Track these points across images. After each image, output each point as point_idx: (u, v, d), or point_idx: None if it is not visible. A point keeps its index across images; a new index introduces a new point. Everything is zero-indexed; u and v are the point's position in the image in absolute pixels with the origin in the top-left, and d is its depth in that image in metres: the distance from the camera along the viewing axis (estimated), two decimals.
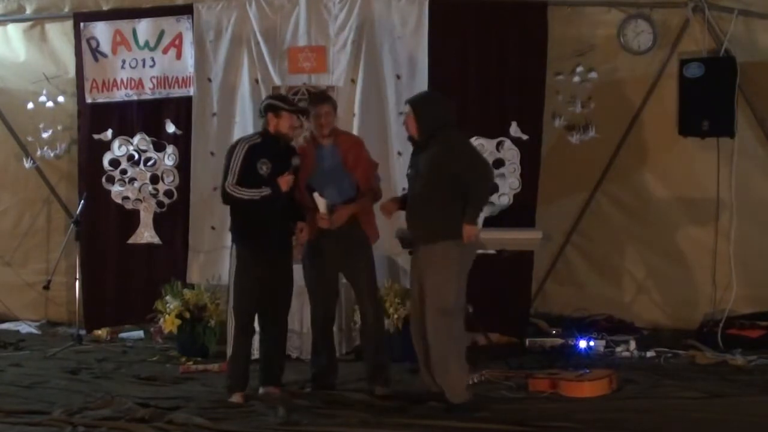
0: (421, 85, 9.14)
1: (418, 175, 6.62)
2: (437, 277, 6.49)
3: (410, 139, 6.82)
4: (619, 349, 8.68)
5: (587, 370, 7.27)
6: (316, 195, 6.92)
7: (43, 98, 9.90)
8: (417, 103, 6.78)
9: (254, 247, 6.90)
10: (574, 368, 7.44)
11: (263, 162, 6.81)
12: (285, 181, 6.80)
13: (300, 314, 8.18)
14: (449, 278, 6.52)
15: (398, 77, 9.31)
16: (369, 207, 7.12)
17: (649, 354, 8.52)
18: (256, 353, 7.76)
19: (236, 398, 6.83)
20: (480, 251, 8.31)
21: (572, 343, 8.76)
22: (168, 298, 8.79)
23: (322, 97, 7.30)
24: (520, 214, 9.16)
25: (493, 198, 9.16)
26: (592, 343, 8.70)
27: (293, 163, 6.91)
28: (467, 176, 6.48)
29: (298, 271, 7.19)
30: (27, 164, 10.01)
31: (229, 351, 7.08)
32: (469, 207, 6.47)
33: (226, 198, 6.89)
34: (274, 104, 6.97)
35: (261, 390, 6.95)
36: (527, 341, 8.89)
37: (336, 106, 7.23)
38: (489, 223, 8.90)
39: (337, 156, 7.07)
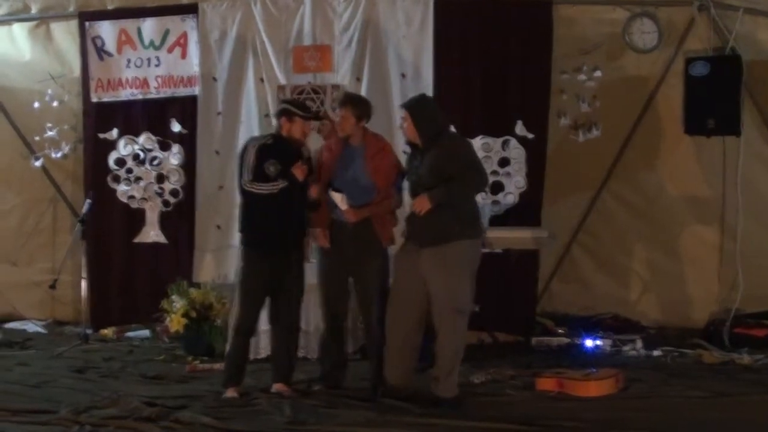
0: (426, 83, 9.15)
1: (421, 179, 6.61)
2: (452, 278, 6.48)
3: (409, 143, 6.86)
4: (625, 348, 8.66)
5: (594, 369, 7.24)
6: (332, 192, 6.92)
7: (48, 97, 9.86)
8: (413, 108, 6.75)
9: (261, 248, 6.89)
10: (581, 367, 7.41)
11: (271, 163, 6.80)
12: (299, 170, 6.81)
13: (306, 313, 7.96)
14: (464, 278, 6.54)
15: (403, 76, 9.31)
16: (384, 212, 7.02)
17: (656, 353, 8.50)
18: (263, 352, 7.98)
19: (230, 393, 6.86)
20: (486, 250, 8.33)
21: (578, 342, 8.78)
22: (174, 297, 8.76)
23: (341, 100, 7.21)
24: (525, 212, 9.15)
25: (499, 197, 9.21)
26: (598, 342, 8.71)
27: (304, 154, 6.93)
28: (461, 174, 6.47)
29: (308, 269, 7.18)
30: (35, 163, 9.98)
31: (227, 347, 7.03)
32: (442, 188, 6.44)
33: (245, 196, 6.93)
34: (289, 110, 7.00)
35: (273, 388, 6.94)
36: (533, 340, 8.90)
37: (359, 112, 7.02)
38: (495, 222, 9.11)
39: (361, 158, 7.02)
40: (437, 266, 6.50)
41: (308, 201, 6.97)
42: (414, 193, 6.66)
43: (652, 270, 9.55)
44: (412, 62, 9.31)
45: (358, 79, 9.36)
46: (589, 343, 8.71)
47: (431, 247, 6.53)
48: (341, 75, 9.38)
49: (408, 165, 6.89)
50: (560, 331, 9.07)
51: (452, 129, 6.99)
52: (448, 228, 6.48)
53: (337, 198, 6.88)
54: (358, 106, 7.10)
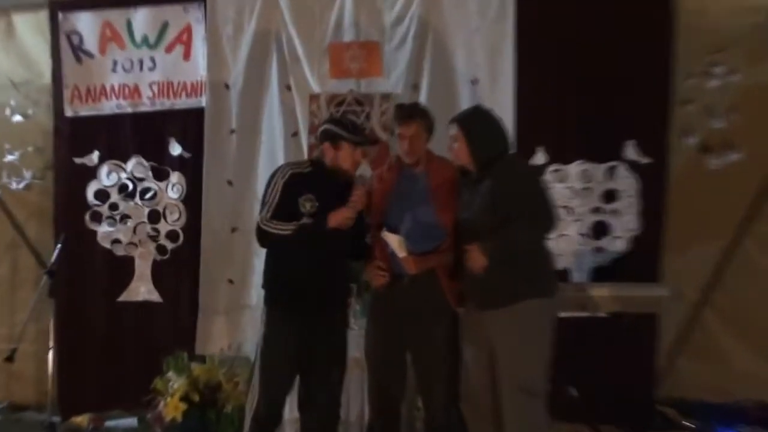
0: (505, 91, 8.51)
1: (475, 217, 6.20)
2: (522, 348, 6.07)
3: (460, 169, 6.44)
4: None
5: None
6: (385, 234, 6.30)
7: (8, 111, 9.51)
8: (468, 124, 6.30)
9: (285, 306, 6.38)
10: None
11: (308, 198, 6.33)
12: (337, 217, 6.24)
13: (347, 396, 7.40)
14: (537, 348, 6.11)
15: (474, 82, 8.64)
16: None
17: None
18: None
19: None
20: (585, 314, 8.02)
21: None
22: (171, 374, 8.31)
23: (408, 113, 6.59)
24: (640, 264, 8.42)
25: (604, 242, 8.59)
26: None
27: (355, 185, 6.41)
28: (522, 214, 6.04)
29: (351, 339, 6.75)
30: None
31: None
32: (501, 239, 5.97)
33: (261, 236, 6.38)
34: (333, 132, 6.43)
35: None
36: None
37: (430, 125, 6.53)
38: (600, 275, 8.57)
39: (424, 189, 6.45)
40: (501, 335, 6.15)
41: (360, 248, 6.59)
42: (466, 235, 6.19)
43: None
44: (487, 64, 8.62)
45: (416, 87, 8.74)
46: None
47: (492, 309, 6.13)
48: (393, 81, 8.77)
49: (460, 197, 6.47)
50: (687, 423, 8.29)
51: (512, 151, 6.55)
52: (511, 285, 6.07)
53: (393, 241, 6.29)
54: (428, 117, 6.58)
